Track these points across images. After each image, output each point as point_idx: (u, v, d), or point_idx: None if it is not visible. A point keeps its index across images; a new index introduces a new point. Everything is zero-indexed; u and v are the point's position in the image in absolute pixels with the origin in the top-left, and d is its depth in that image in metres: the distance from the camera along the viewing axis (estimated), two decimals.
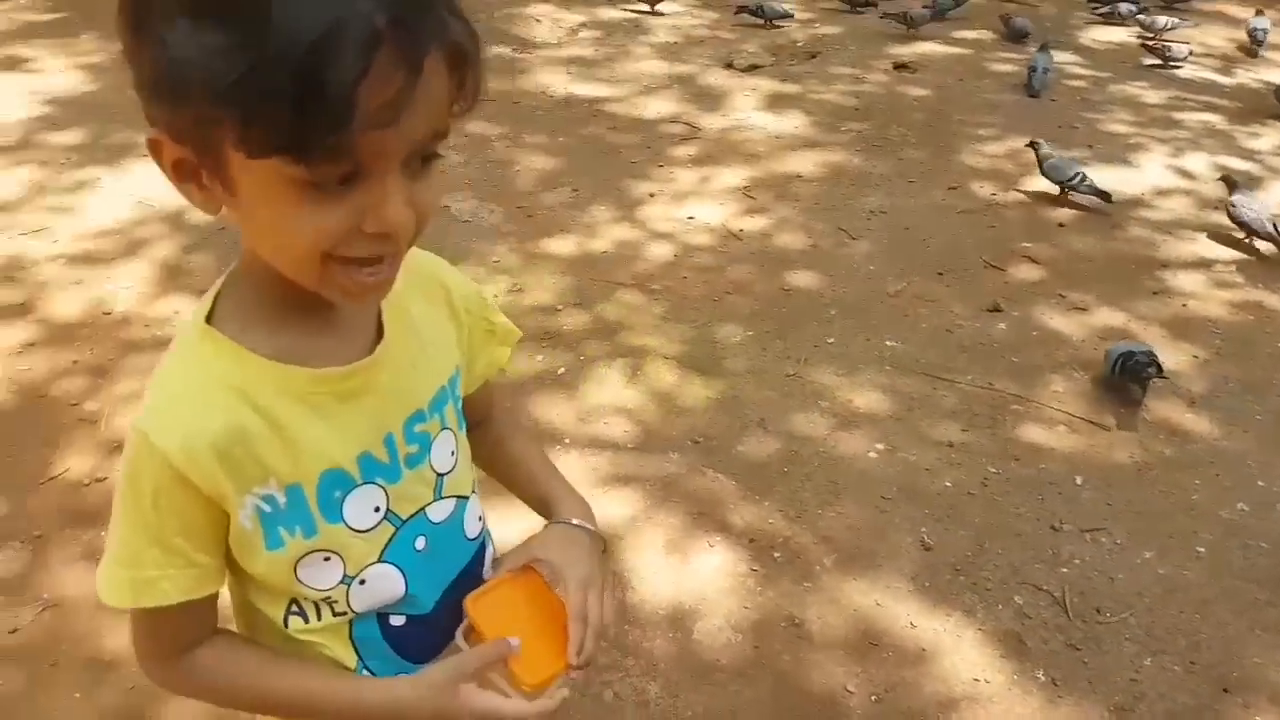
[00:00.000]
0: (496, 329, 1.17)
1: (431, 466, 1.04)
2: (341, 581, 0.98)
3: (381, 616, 1.03)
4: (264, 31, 0.67)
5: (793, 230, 4.16)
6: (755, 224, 4.22)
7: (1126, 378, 3.08)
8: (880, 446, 2.92)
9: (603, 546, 1.17)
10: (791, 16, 6.75)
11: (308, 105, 0.68)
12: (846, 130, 5.16)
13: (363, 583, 0.99)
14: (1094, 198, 4.23)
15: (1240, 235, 4.03)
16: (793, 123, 5.25)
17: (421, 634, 1.06)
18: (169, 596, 0.90)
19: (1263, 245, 3.97)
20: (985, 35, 6.68)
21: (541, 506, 1.21)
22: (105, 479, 2.70)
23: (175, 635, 0.97)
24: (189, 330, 0.91)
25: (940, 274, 3.83)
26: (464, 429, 1.11)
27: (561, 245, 3.98)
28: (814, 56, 6.24)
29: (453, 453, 1.07)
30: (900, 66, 5.96)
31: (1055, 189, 4.33)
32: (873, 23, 6.82)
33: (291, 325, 0.91)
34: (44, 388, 3.08)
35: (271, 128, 0.70)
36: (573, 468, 2.80)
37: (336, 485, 0.95)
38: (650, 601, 2.40)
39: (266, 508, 0.91)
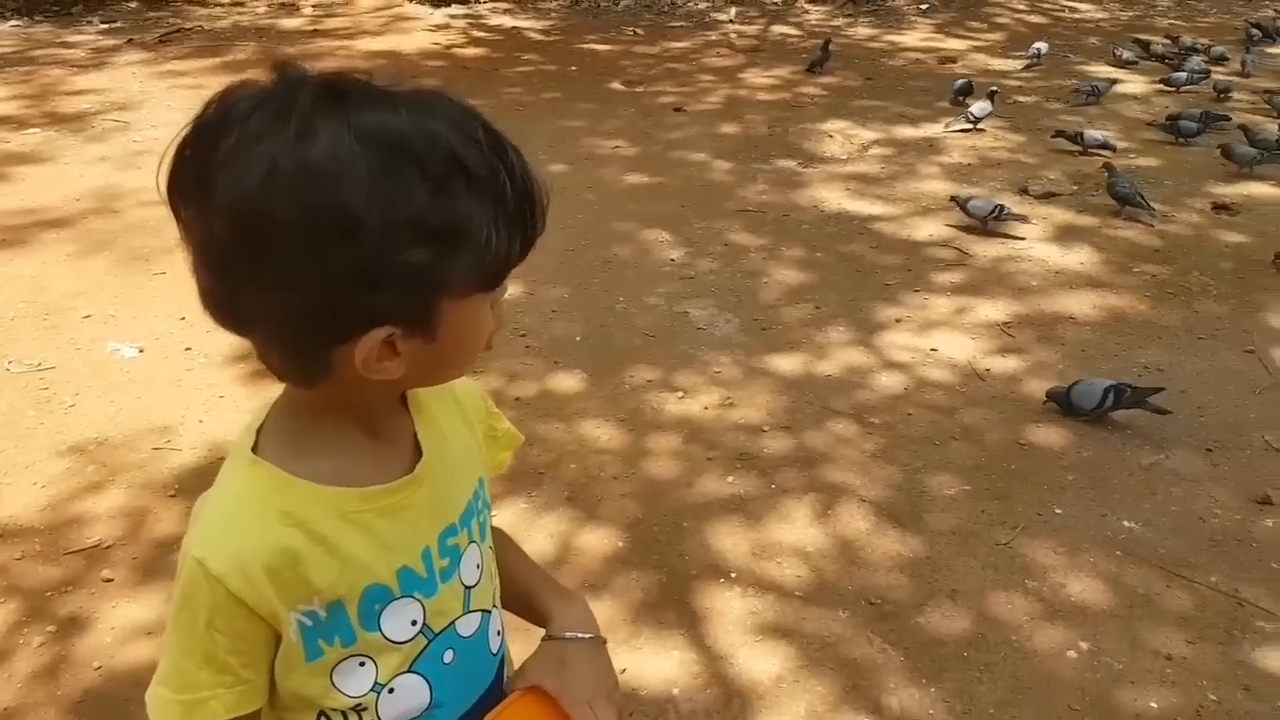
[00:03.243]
0: (499, 435, 1.21)
1: (460, 580, 1.06)
2: (372, 689, 1.01)
3: None
4: (507, 195, 0.85)
5: (1048, 377, 3.78)
6: (1006, 365, 3.90)
7: None
8: (1084, 646, 2.54)
9: (602, 642, 1.18)
10: (1113, 148, 6.26)
11: (532, 237, 0.90)
12: (1139, 272, 4.68)
13: (391, 691, 1.02)
14: None
15: None
16: (1078, 258, 4.84)
17: None
18: (217, 715, 0.95)
19: None
20: None
21: (537, 620, 1.21)
22: None
23: None
24: (236, 460, 0.97)
25: (1209, 450, 3.33)
26: (487, 542, 1.13)
27: (786, 363, 3.88)
28: None
29: (478, 565, 1.09)
30: (1220, 208, 5.35)
31: None
32: (1198, 158, 6.17)
33: (334, 450, 0.97)
34: None
35: (513, 261, 0.89)
36: (731, 606, 2.67)
37: (377, 599, 0.99)
38: None
39: (309, 622, 0.96)
